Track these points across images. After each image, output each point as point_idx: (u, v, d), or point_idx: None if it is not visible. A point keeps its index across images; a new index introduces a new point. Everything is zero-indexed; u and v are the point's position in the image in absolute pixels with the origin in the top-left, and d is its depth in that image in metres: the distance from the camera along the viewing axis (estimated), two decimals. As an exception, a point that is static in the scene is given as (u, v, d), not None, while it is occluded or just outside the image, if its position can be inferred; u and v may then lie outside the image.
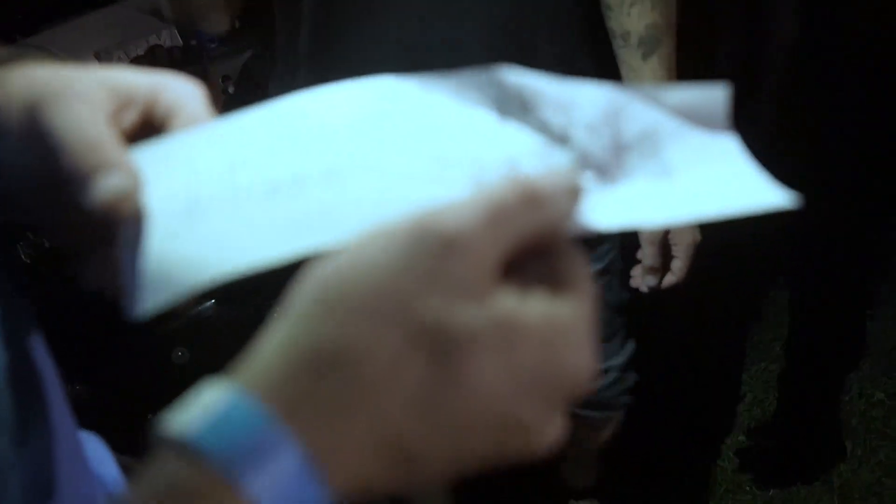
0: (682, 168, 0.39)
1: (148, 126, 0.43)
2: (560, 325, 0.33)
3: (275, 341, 0.31)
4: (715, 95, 0.40)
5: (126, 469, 0.57)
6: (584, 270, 0.34)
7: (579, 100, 0.40)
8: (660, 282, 1.15)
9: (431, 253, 0.31)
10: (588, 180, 0.38)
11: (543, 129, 0.39)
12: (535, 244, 0.34)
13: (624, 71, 1.05)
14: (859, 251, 1.61)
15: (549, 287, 0.34)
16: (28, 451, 0.41)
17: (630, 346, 1.35)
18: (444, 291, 0.31)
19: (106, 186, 0.37)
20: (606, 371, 1.32)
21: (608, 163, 0.38)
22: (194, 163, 0.39)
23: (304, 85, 1.05)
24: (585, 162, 0.38)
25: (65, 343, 0.54)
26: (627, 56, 1.04)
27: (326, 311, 0.31)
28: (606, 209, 0.37)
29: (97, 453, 0.56)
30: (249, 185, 0.37)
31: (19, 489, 0.40)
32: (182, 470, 0.29)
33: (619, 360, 1.33)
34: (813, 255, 1.62)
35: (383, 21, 1.01)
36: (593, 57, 1.09)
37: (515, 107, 0.39)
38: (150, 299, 0.34)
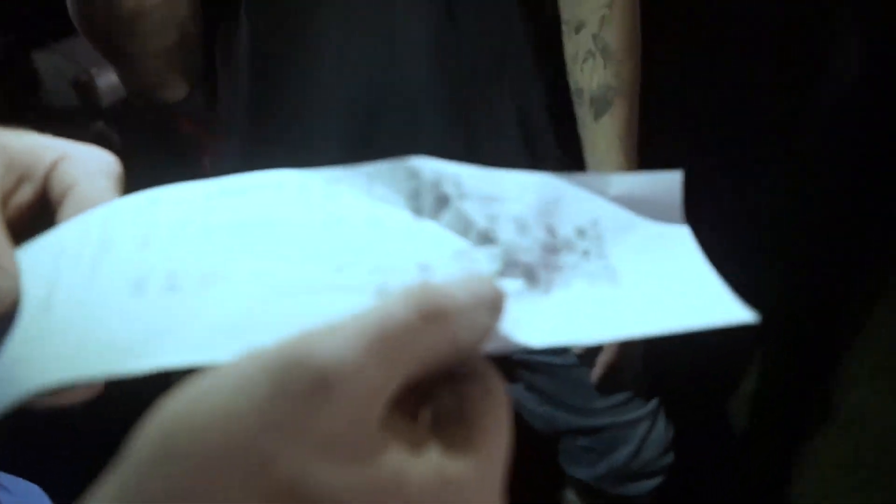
0: (628, 271, 0.34)
1: (44, 202, 0.38)
2: (456, 486, 0.27)
3: (99, 501, 0.26)
4: (669, 183, 0.35)
5: None
6: (498, 401, 0.29)
7: (506, 191, 0.35)
8: (591, 357, 1.11)
9: (297, 394, 0.25)
10: (515, 287, 0.33)
11: (464, 226, 0.34)
12: (441, 366, 0.28)
13: (579, 128, 1.03)
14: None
15: (453, 427, 0.28)
16: None
17: (654, 400, 1.22)
18: (310, 446, 0.25)
19: None
20: (634, 423, 1.20)
21: (541, 265, 0.34)
22: (58, 256, 0.34)
23: (243, 143, 1.00)
24: (513, 264, 0.33)
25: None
26: (581, 113, 1.02)
27: (161, 472, 0.25)
28: (537, 321, 0.31)
29: None
30: (111, 283, 0.32)
31: None
32: None
33: (642, 411, 1.20)
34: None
35: (324, 78, 0.98)
36: (553, 112, 1.06)
37: (431, 202, 0.34)
38: None
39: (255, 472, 0.25)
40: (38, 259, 0.34)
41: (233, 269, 0.32)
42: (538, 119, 1.06)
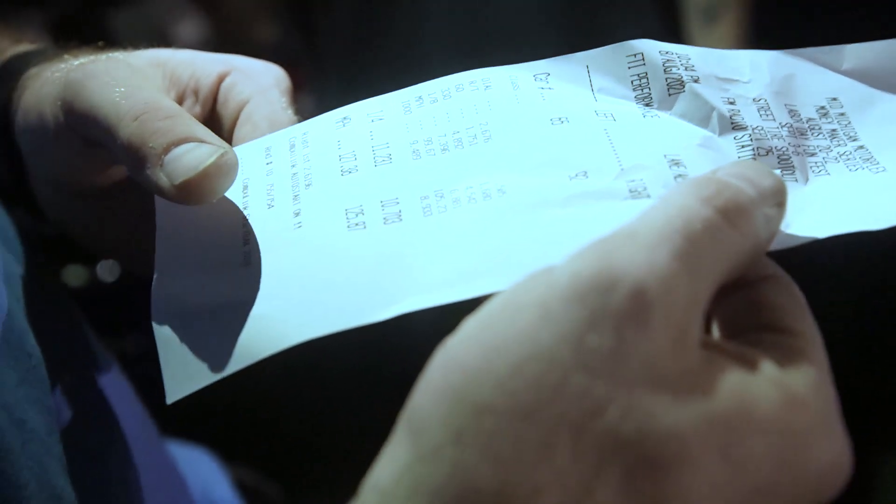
0: (884, 150, 0.31)
1: (212, 123, 0.36)
2: (800, 404, 0.22)
3: (396, 484, 0.21)
4: None
5: (243, 486, 0.53)
6: (804, 305, 0.25)
7: (739, 71, 0.32)
8: None
9: (615, 318, 0.21)
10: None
11: (703, 112, 0.31)
12: (739, 271, 0.24)
13: (686, 38, 1.00)
14: None
15: (772, 337, 0.24)
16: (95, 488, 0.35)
17: None
18: (638, 381, 0.20)
19: (184, 160, 0.28)
20: None
21: (791, 150, 0.30)
22: (247, 193, 0.32)
23: (343, 80, 0.95)
24: (765, 151, 0.30)
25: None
26: (691, 22, 0.99)
27: (464, 436, 0.20)
28: (805, 213, 0.28)
29: (205, 473, 0.51)
30: (323, 221, 0.29)
31: None
32: None
33: None
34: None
35: (431, 10, 0.97)
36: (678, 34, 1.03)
37: (662, 88, 0.31)
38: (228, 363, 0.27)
39: (583, 422, 0.20)
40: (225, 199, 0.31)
41: (455, 188, 0.29)
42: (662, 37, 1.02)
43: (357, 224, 0.29)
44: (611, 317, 0.21)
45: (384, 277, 0.27)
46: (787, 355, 0.23)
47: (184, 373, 0.28)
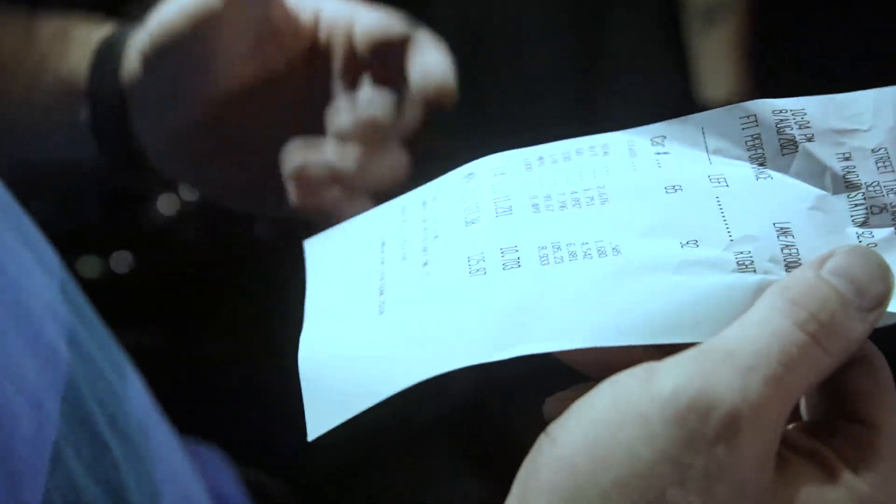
0: None
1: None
2: None
3: None
4: None
5: (251, 485, 0.55)
6: (890, 391, 0.26)
7: (858, 119, 0.31)
8: None
9: (708, 441, 0.23)
10: (884, 236, 0.29)
11: (817, 171, 0.30)
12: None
13: (688, 43, 1.01)
14: None
15: (845, 431, 0.25)
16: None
17: None
18: (733, 496, 0.23)
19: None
20: None
21: None
22: (381, 247, 0.34)
23: None
24: (879, 209, 0.29)
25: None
26: (691, 25, 1.00)
27: None
28: None
29: (215, 472, 0.52)
30: (447, 268, 0.31)
31: None
32: None
33: None
34: None
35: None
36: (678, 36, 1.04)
37: (776, 148, 0.31)
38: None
39: None
40: (361, 249, 0.34)
41: (572, 242, 0.30)
42: (662, 46, 1.03)
43: (478, 270, 0.30)
44: (706, 439, 0.23)
45: (502, 321, 0.29)
46: (860, 451, 0.24)
47: (324, 411, 0.30)
